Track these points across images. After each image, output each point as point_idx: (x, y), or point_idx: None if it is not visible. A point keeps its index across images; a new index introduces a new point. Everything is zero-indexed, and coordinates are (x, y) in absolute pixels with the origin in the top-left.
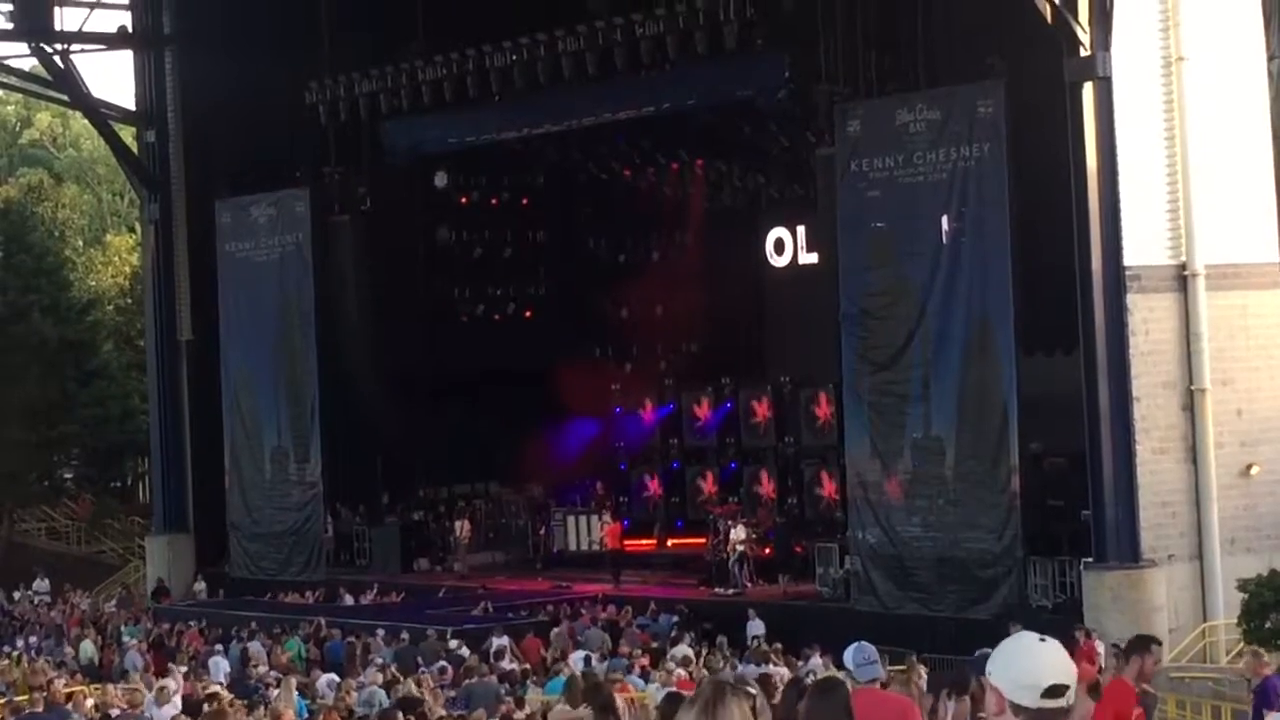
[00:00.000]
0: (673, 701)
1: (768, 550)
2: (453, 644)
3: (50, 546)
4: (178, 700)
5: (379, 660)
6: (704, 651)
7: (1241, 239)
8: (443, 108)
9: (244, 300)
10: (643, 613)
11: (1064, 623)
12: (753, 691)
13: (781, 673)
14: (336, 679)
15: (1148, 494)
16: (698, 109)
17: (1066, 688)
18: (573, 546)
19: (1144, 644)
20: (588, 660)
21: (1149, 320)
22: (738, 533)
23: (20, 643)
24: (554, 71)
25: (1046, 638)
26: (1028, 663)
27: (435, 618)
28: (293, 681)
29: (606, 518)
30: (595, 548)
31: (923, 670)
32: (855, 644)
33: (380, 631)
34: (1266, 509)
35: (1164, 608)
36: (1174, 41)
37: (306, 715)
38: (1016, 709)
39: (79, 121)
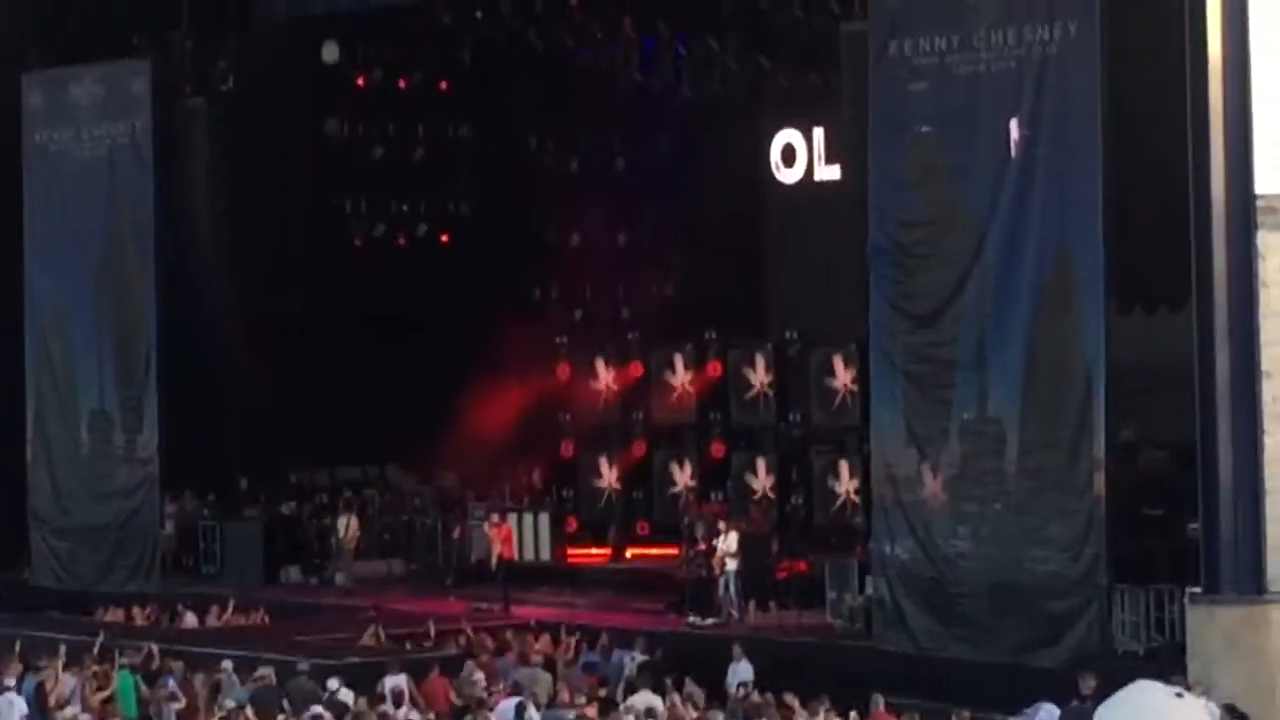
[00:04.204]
0: None
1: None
2: (332, 684)
3: None
4: None
5: (230, 704)
6: (671, 701)
7: None
8: None
9: (59, 209)
10: (591, 647)
11: (1159, 674)
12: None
13: None
14: None
15: (1279, 502)
16: None
17: None
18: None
19: None
20: (520, 710)
21: None
22: (728, 542)
23: None
24: None
25: (1182, 692)
26: None
27: (309, 647)
28: None
29: (495, 517)
30: (532, 558)
31: None
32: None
33: (230, 664)
34: None
35: None
36: None
37: None
38: None
39: None
